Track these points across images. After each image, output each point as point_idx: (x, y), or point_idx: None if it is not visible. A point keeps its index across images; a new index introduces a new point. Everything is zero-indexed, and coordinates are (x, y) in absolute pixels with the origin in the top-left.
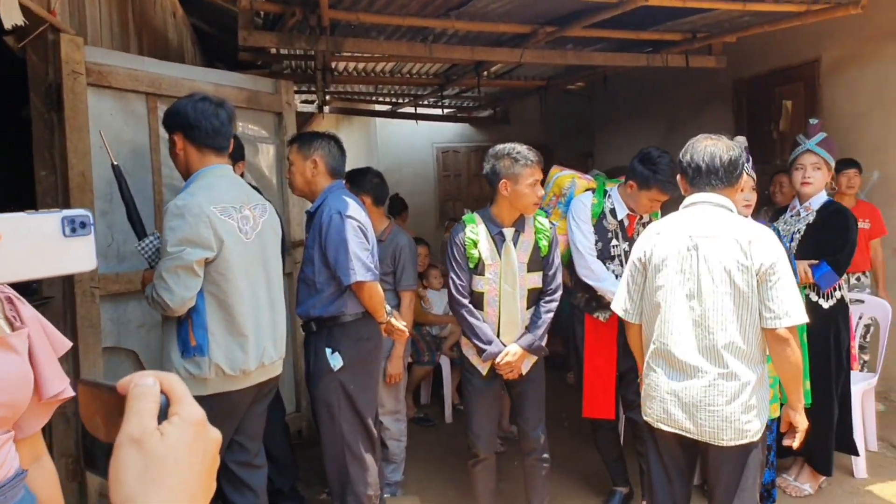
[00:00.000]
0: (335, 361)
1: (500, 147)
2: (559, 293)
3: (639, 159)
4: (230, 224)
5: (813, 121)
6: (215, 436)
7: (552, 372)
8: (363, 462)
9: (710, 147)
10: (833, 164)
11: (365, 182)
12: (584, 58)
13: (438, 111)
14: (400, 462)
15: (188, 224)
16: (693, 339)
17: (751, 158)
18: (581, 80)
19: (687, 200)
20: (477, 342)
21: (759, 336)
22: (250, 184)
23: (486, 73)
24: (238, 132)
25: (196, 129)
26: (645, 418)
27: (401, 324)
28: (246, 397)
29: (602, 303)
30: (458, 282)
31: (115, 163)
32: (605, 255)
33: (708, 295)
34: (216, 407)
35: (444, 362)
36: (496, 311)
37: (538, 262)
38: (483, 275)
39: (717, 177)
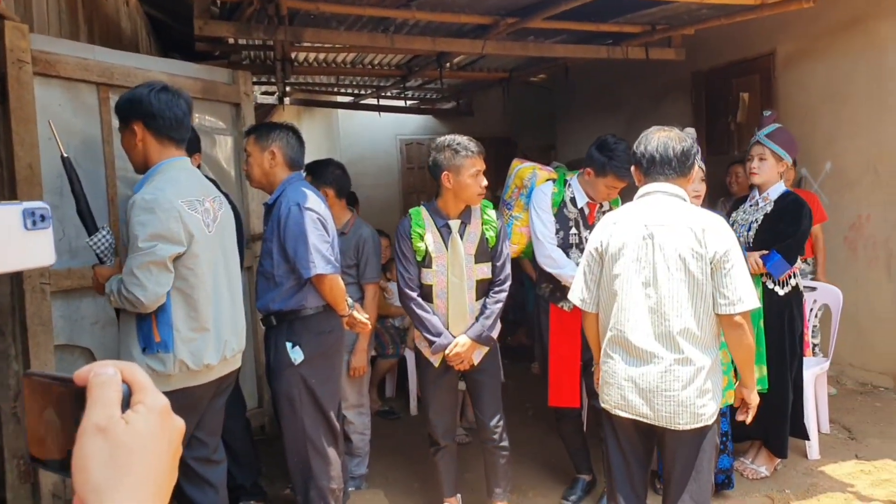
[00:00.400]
0: (296, 355)
1: (440, 139)
2: (508, 283)
3: (595, 146)
4: (196, 218)
5: (766, 112)
6: (179, 424)
7: (518, 363)
8: (325, 456)
9: (663, 138)
10: (784, 155)
11: (327, 174)
12: (545, 50)
13: (401, 103)
14: (364, 455)
15: (159, 219)
16: (649, 326)
17: (699, 150)
18: (543, 73)
19: (641, 190)
20: (426, 334)
21: (712, 322)
22: (207, 176)
23: (448, 64)
24: (194, 123)
25: (159, 118)
26: (602, 405)
27: (363, 316)
28: (207, 392)
29: (566, 293)
30: (405, 275)
31: (66, 155)
32: (566, 244)
33: (663, 282)
34: (178, 403)
35: (409, 355)
36: (445, 304)
37: (486, 253)
38: (431, 267)
39: (671, 167)
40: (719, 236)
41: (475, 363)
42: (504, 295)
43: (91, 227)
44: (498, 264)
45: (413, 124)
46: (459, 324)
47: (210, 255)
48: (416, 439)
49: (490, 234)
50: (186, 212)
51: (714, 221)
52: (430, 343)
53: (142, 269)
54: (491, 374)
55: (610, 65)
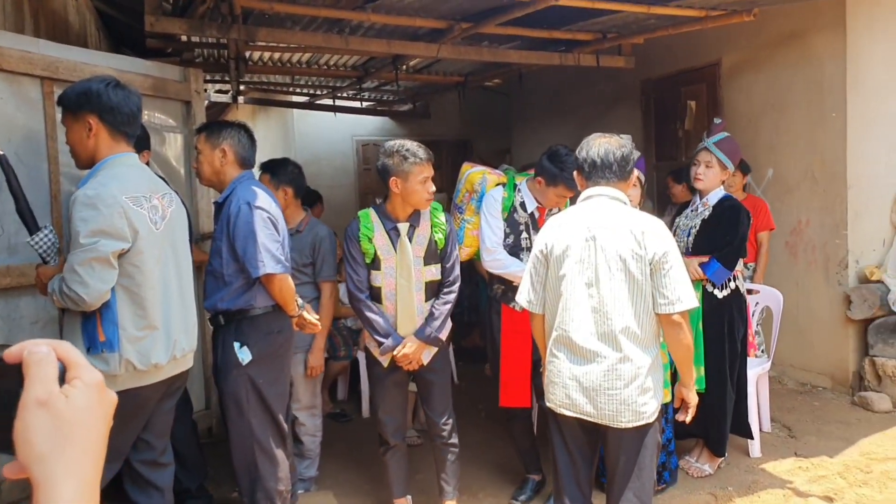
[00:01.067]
0: (244, 355)
1: (390, 144)
2: (457, 285)
3: (547, 157)
4: (142, 214)
5: (717, 120)
6: (112, 398)
7: (472, 365)
8: (273, 457)
9: (603, 144)
10: (729, 164)
11: (286, 173)
12: (499, 55)
13: (357, 104)
14: (315, 457)
15: (102, 215)
16: (592, 326)
17: (641, 156)
18: (498, 77)
19: (584, 194)
20: (375, 335)
21: (652, 321)
22: (156, 174)
23: (404, 66)
24: (143, 120)
25: (116, 112)
26: (548, 404)
27: (313, 317)
28: (156, 393)
29: (516, 292)
30: (354, 277)
31: (1, 152)
32: (517, 247)
33: (605, 283)
34: (125, 404)
35: (362, 357)
36: (394, 305)
37: (434, 255)
38: (379, 269)
39: (612, 171)
40: (658, 238)
41: (424, 363)
42: (453, 296)
43: (32, 227)
44: (447, 266)
45: (370, 125)
46: (408, 325)
47: (158, 253)
48: (368, 441)
49: (439, 236)
50: (131, 208)
51: (653, 224)
52: (379, 344)
53: (83, 266)
54: (441, 373)
55: (563, 71)
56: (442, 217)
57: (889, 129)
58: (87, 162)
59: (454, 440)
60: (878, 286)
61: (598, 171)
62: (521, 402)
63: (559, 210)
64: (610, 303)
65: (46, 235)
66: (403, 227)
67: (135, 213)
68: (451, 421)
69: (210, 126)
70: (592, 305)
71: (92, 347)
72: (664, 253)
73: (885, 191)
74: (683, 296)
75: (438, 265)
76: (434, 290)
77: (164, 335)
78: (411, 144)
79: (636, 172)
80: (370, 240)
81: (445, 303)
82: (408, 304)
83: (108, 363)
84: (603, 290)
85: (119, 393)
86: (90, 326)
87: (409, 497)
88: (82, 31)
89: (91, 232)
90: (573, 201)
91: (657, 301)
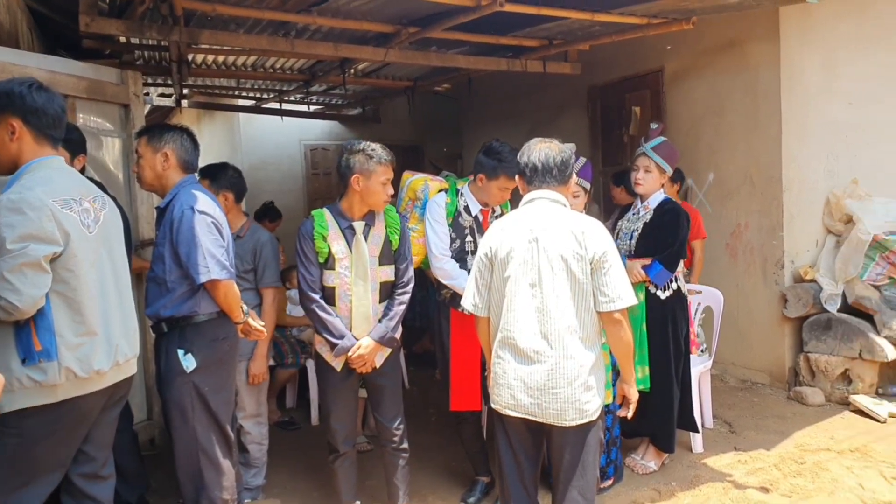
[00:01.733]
0: (188, 363)
1: (355, 142)
2: (411, 286)
3: (483, 152)
4: (72, 217)
5: (654, 125)
6: None
7: (422, 369)
8: (218, 466)
9: (544, 149)
10: (667, 168)
11: (226, 178)
12: (447, 60)
13: (305, 108)
14: (261, 466)
15: (29, 219)
16: (536, 325)
17: (590, 163)
18: (448, 82)
19: (526, 198)
20: (328, 337)
21: (594, 319)
22: (92, 179)
23: (352, 70)
24: (78, 124)
25: (41, 114)
26: (493, 405)
27: (258, 323)
28: (98, 403)
29: None
30: (307, 277)
31: None
32: (463, 252)
33: (548, 283)
34: (66, 416)
35: (310, 364)
36: (348, 306)
37: (389, 255)
38: (333, 269)
39: (552, 175)
40: (598, 239)
41: (377, 366)
42: (407, 297)
43: None
44: (401, 267)
45: (318, 129)
46: (363, 325)
47: (93, 256)
48: (317, 449)
49: (394, 236)
50: (60, 210)
51: (592, 225)
52: (333, 346)
53: (14, 273)
54: (392, 377)
55: (511, 77)
56: (396, 216)
57: (822, 134)
58: (9, 167)
59: (405, 445)
60: (812, 285)
61: (539, 176)
62: (472, 405)
63: (502, 213)
64: (553, 302)
65: None
66: (359, 225)
67: (64, 216)
68: (402, 426)
69: (151, 129)
70: (536, 305)
71: (28, 358)
72: (604, 252)
73: (819, 194)
74: (623, 294)
75: (392, 266)
76: (388, 292)
77: (105, 341)
78: (376, 146)
79: (575, 179)
80: (324, 238)
81: (401, 303)
82: (364, 304)
83: (47, 373)
84: (546, 290)
85: (60, 403)
86: (24, 336)
87: (358, 503)
88: (13, 30)
89: (19, 237)
90: (515, 204)
91: (598, 299)
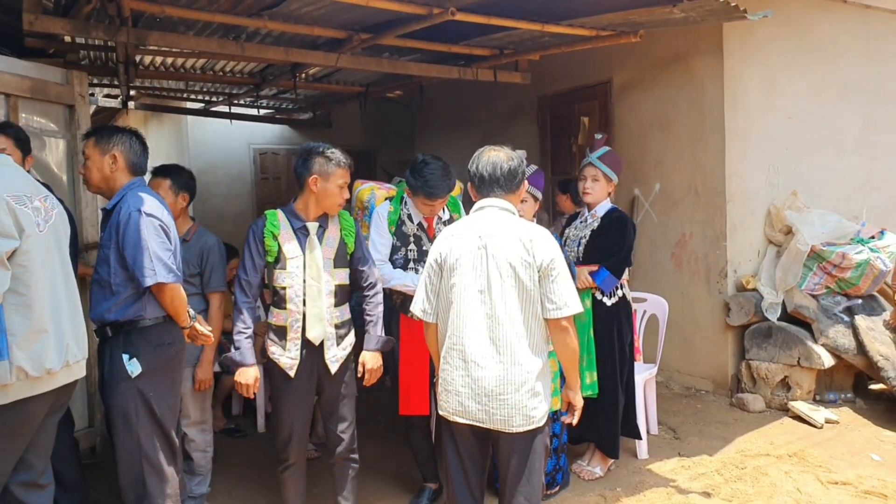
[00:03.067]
0: (133, 368)
1: (314, 144)
2: (380, 286)
3: (409, 169)
4: (27, 213)
5: (598, 136)
6: None
7: None
8: (162, 473)
9: (492, 157)
10: (613, 176)
11: (183, 178)
12: (399, 67)
13: (255, 111)
14: (206, 474)
15: None
16: (485, 332)
17: (539, 170)
18: (399, 89)
19: (476, 205)
20: (233, 345)
21: (541, 326)
22: (37, 180)
23: (303, 75)
24: (21, 124)
25: None
26: (441, 412)
27: (205, 329)
28: (43, 407)
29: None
30: (244, 278)
31: None
32: (405, 259)
33: (496, 289)
34: (12, 420)
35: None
36: (299, 308)
37: (344, 258)
38: (285, 268)
39: (499, 184)
40: (545, 246)
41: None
42: (380, 297)
43: None
44: (363, 269)
45: (268, 133)
46: (317, 326)
47: (44, 255)
48: (263, 457)
49: (349, 238)
50: (14, 206)
51: (540, 233)
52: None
53: None
54: (350, 386)
55: (463, 85)
56: (350, 219)
57: (763, 147)
58: None
59: (355, 455)
60: (754, 294)
61: (487, 185)
62: (420, 409)
63: (451, 218)
64: (501, 309)
65: None
66: (313, 226)
67: (20, 210)
68: (353, 435)
69: (100, 130)
70: (485, 312)
71: None
72: (551, 260)
73: (760, 205)
74: (570, 301)
75: (347, 270)
76: (344, 295)
77: (56, 339)
78: (336, 148)
79: (526, 186)
80: (275, 237)
81: (377, 304)
82: (317, 306)
83: None
84: (494, 296)
85: (9, 405)
86: None
87: None
88: None
89: None
90: (468, 208)
91: (545, 306)
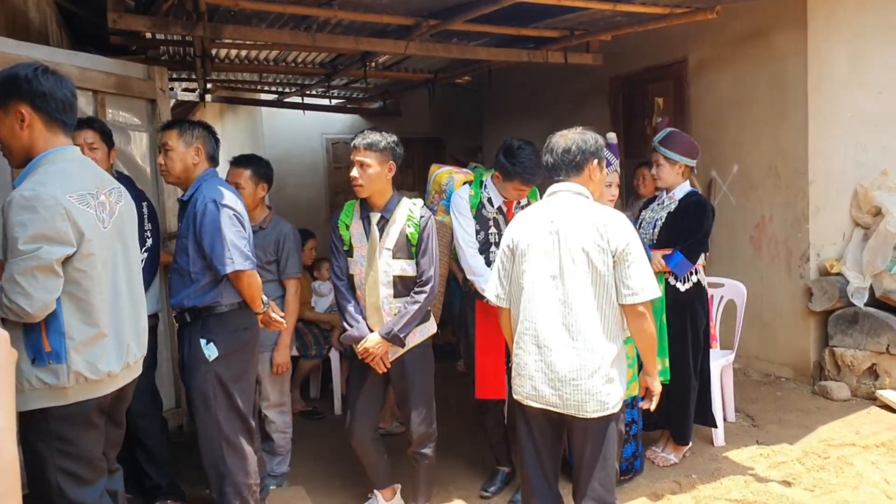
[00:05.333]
0: (210, 352)
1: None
2: (430, 286)
3: (502, 151)
4: (89, 214)
5: (659, 119)
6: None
7: (443, 361)
8: (241, 452)
9: (559, 142)
10: (678, 158)
11: (263, 168)
12: (467, 52)
13: (326, 101)
14: (286, 454)
15: (42, 218)
16: (558, 317)
17: (611, 154)
18: (468, 74)
19: (548, 190)
20: (343, 322)
21: (616, 312)
22: (121, 173)
23: (372, 63)
24: (107, 119)
25: (49, 98)
26: (515, 396)
27: (278, 315)
28: (105, 405)
29: None
30: (334, 263)
31: None
32: (487, 243)
33: (569, 275)
34: (79, 418)
35: (334, 355)
36: (364, 295)
37: (404, 249)
38: (352, 256)
39: (564, 166)
40: (620, 231)
41: (388, 365)
42: (423, 297)
43: None
44: (422, 260)
45: (339, 123)
46: (374, 316)
47: (106, 253)
48: (340, 438)
49: (410, 230)
50: (76, 207)
51: (614, 218)
52: (344, 331)
53: (25, 276)
54: (413, 380)
55: (533, 69)
56: (417, 211)
57: (851, 124)
58: (22, 159)
59: (425, 451)
60: (838, 279)
61: (555, 169)
62: (497, 394)
63: (528, 203)
64: (574, 295)
65: None
66: (375, 216)
67: (80, 212)
68: (426, 432)
69: (182, 123)
70: (558, 297)
71: (38, 359)
72: (626, 244)
73: (846, 185)
74: (646, 286)
75: (410, 261)
76: (406, 287)
77: (115, 342)
78: (363, 131)
79: (594, 164)
80: (347, 227)
81: (414, 302)
82: (374, 296)
83: (57, 375)
84: (567, 282)
85: (71, 405)
86: (34, 337)
87: (398, 486)
88: (43, 27)
89: (31, 237)
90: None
91: (621, 292)
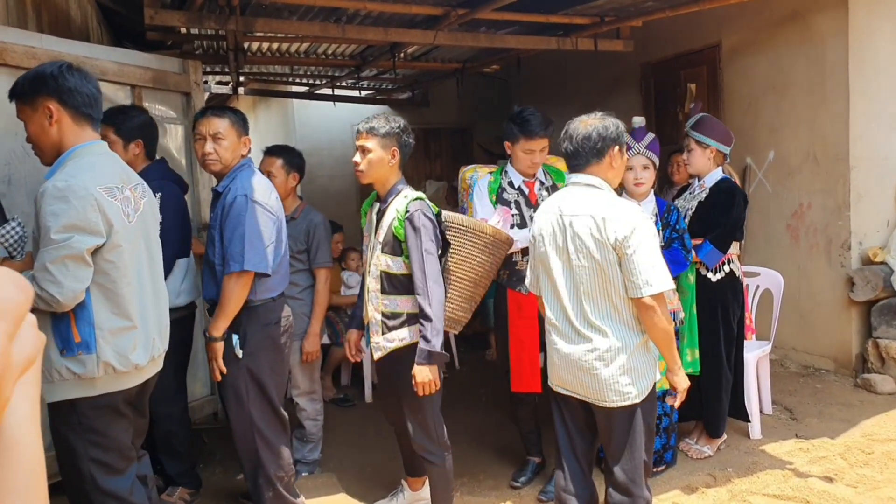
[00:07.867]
0: (240, 347)
1: None
2: (430, 292)
3: (508, 119)
4: (116, 206)
5: (692, 104)
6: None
7: (472, 351)
8: (274, 445)
9: (579, 128)
10: (711, 143)
11: (298, 159)
12: (496, 40)
13: (356, 93)
14: (317, 441)
15: (74, 208)
16: (571, 309)
17: (643, 138)
18: (496, 63)
19: (567, 180)
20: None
21: (630, 303)
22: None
23: (401, 54)
24: None
25: (75, 93)
26: (549, 383)
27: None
28: (132, 396)
29: (523, 278)
30: (363, 250)
31: None
32: (511, 225)
33: (577, 268)
34: (107, 410)
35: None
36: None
37: (394, 246)
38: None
39: (579, 154)
40: (618, 223)
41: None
42: (426, 332)
43: None
44: (413, 264)
45: (369, 114)
46: (367, 306)
47: (132, 247)
48: (371, 426)
49: (395, 224)
50: (105, 199)
51: (618, 210)
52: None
53: (56, 265)
54: (401, 382)
55: (562, 56)
56: (403, 205)
57: (893, 108)
58: (52, 154)
59: (427, 456)
60: (882, 267)
61: (571, 158)
62: (532, 387)
63: (553, 184)
64: (583, 287)
65: (14, 228)
66: (377, 206)
67: (109, 204)
68: (423, 435)
69: (237, 113)
70: (570, 288)
71: (66, 349)
72: (624, 237)
73: (890, 171)
74: (652, 279)
75: (396, 258)
76: (393, 285)
77: (143, 334)
78: (369, 116)
79: (615, 151)
80: (365, 214)
81: (422, 337)
82: (367, 286)
83: (86, 365)
84: (576, 274)
85: (100, 396)
86: (63, 327)
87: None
88: (84, 25)
89: (63, 227)
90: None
91: (627, 286)
